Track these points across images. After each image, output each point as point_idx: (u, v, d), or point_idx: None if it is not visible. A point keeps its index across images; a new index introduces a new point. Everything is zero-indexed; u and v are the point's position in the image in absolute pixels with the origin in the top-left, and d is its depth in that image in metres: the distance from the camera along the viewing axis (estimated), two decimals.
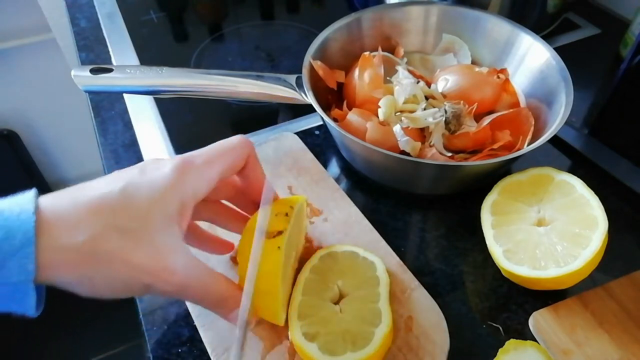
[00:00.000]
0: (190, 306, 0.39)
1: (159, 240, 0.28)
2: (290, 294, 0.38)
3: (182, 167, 0.30)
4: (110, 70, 0.47)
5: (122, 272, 0.27)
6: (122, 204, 0.28)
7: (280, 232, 0.36)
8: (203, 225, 0.39)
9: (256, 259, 0.34)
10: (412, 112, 0.49)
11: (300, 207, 0.39)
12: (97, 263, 0.27)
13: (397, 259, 0.42)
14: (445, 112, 0.48)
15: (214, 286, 0.32)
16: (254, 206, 0.38)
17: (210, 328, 0.38)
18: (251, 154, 0.35)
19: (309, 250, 0.42)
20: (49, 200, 0.27)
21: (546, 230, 0.40)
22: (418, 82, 0.52)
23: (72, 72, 0.47)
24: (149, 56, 0.67)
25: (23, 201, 0.26)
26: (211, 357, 0.36)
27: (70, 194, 0.28)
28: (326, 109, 0.49)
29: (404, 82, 0.50)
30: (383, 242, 0.43)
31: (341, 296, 0.38)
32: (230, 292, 0.32)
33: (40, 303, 0.28)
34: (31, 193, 0.27)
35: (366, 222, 0.45)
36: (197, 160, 0.31)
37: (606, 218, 0.38)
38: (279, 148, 0.52)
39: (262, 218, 0.36)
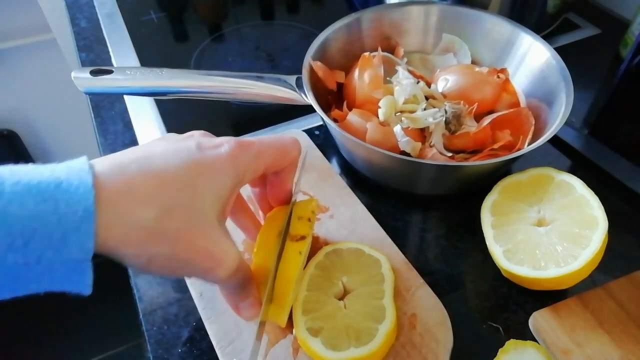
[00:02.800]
0: (196, 300, 0.39)
1: (219, 226, 0.29)
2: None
3: (237, 152, 0.30)
4: (110, 72, 0.47)
5: (186, 253, 0.27)
6: (188, 183, 0.27)
7: (303, 237, 0.36)
8: None
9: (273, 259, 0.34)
10: (412, 112, 0.49)
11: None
12: (162, 241, 0.26)
13: (403, 256, 0.42)
14: (446, 112, 0.48)
15: (248, 270, 0.33)
16: (267, 206, 0.39)
17: (215, 321, 0.38)
18: (296, 158, 0.36)
19: (314, 247, 0.42)
20: (114, 168, 0.25)
21: (546, 230, 0.40)
22: (418, 82, 0.52)
23: (72, 74, 0.47)
24: (149, 56, 0.67)
25: (81, 171, 0.24)
26: (216, 349, 0.37)
27: (137, 161, 0.26)
28: (326, 109, 0.49)
29: (404, 82, 0.50)
30: (389, 240, 0.43)
31: (346, 292, 0.39)
32: (250, 277, 0.33)
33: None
34: (84, 160, 0.25)
35: (372, 220, 0.45)
36: (252, 147, 0.31)
37: (606, 218, 0.38)
38: None
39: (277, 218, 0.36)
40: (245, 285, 0.33)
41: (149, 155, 0.27)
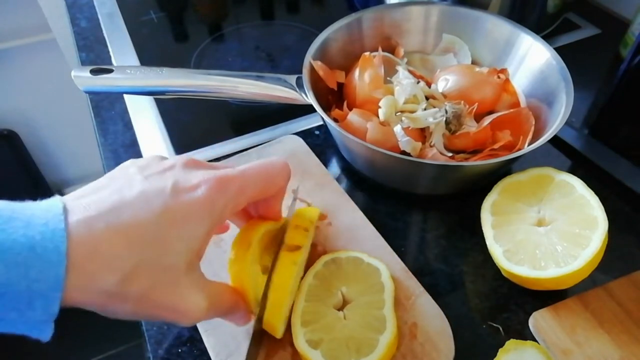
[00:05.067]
0: None
1: (187, 276, 0.28)
2: (293, 301, 0.38)
3: (215, 194, 0.29)
4: (110, 71, 0.47)
5: (149, 310, 0.28)
6: (157, 237, 0.27)
7: (298, 247, 0.36)
8: None
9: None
10: (412, 112, 0.49)
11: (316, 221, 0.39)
12: (124, 303, 0.26)
13: (402, 264, 0.42)
14: (446, 112, 0.48)
15: (226, 301, 0.32)
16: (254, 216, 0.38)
17: (212, 334, 0.38)
18: (283, 187, 0.35)
19: (312, 255, 0.42)
20: (85, 223, 0.25)
21: (546, 230, 0.40)
22: (418, 82, 0.52)
23: (72, 73, 0.47)
24: (149, 56, 0.67)
25: (55, 232, 0.24)
26: None
27: (107, 215, 0.26)
28: (326, 109, 0.49)
29: (404, 82, 0.50)
30: (388, 248, 0.43)
31: (345, 302, 0.38)
32: (236, 300, 0.33)
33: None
34: (60, 212, 0.25)
35: (371, 227, 0.45)
36: (232, 185, 0.30)
37: (606, 218, 0.38)
38: (282, 151, 0.52)
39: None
40: (233, 306, 0.33)
41: (120, 205, 0.26)
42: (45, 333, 0.25)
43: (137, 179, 0.28)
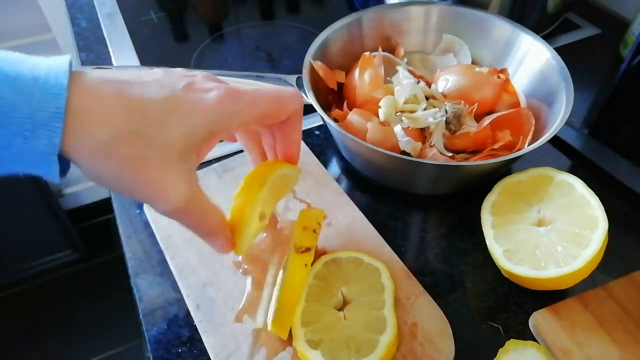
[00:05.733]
0: (193, 312, 0.39)
1: (177, 162, 0.29)
2: None
3: (225, 100, 0.30)
4: None
5: (130, 178, 0.28)
6: (157, 116, 0.28)
7: (308, 249, 0.36)
8: None
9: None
10: (412, 112, 0.49)
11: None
12: (110, 162, 0.27)
13: (402, 264, 0.42)
14: (446, 112, 0.48)
15: (209, 220, 0.32)
16: (274, 154, 0.37)
17: (212, 334, 0.38)
18: (297, 111, 0.34)
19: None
20: (93, 81, 0.27)
21: (546, 230, 0.40)
22: (418, 82, 0.52)
23: None
24: (149, 56, 0.67)
25: (59, 71, 0.25)
26: None
27: (117, 83, 0.27)
28: (326, 109, 0.49)
29: (404, 82, 0.50)
30: (388, 248, 0.43)
31: (345, 303, 0.38)
32: (222, 227, 0.33)
33: (65, 171, 0.28)
34: (66, 61, 0.26)
35: (371, 227, 0.45)
36: (244, 98, 0.31)
37: (606, 218, 0.38)
38: None
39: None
40: (216, 231, 0.32)
41: (134, 81, 0.28)
42: (52, 169, 0.26)
43: (159, 73, 0.30)
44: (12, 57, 0.26)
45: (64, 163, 0.28)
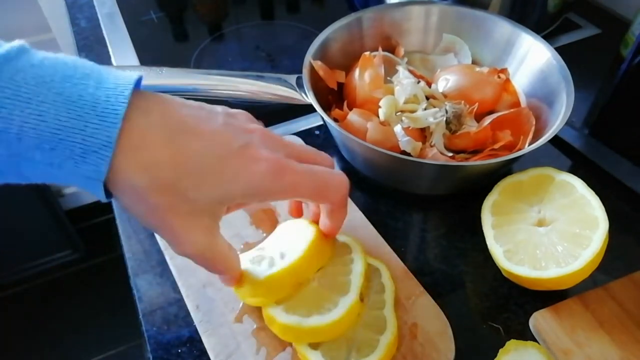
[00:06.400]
0: (192, 312, 0.39)
1: (198, 217, 0.29)
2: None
3: (270, 176, 0.30)
4: None
5: (155, 222, 0.29)
6: (199, 173, 0.28)
7: (362, 299, 0.36)
8: None
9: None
10: (412, 112, 0.49)
11: None
12: (140, 204, 0.28)
13: (402, 264, 0.42)
14: (446, 112, 0.48)
15: (221, 265, 0.33)
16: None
17: (212, 334, 0.38)
18: (340, 202, 0.35)
19: None
20: (154, 114, 0.27)
21: (547, 230, 0.40)
22: (418, 82, 0.52)
23: None
24: (149, 56, 0.67)
25: (120, 96, 0.26)
26: None
27: (174, 129, 0.28)
28: (326, 109, 0.49)
29: (404, 82, 0.50)
30: (388, 248, 0.43)
31: None
32: (231, 269, 0.34)
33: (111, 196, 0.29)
34: (130, 84, 0.27)
35: (371, 227, 0.45)
36: (288, 178, 0.30)
37: (607, 218, 0.38)
38: None
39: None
40: (218, 271, 0.34)
41: (190, 129, 0.28)
42: (98, 192, 0.27)
43: (220, 121, 0.30)
44: (80, 73, 0.26)
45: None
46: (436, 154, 0.46)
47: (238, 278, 0.35)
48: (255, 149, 0.30)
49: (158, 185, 0.27)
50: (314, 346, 0.35)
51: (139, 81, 0.28)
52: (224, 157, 0.29)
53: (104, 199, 0.28)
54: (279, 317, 0.34)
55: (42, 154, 0.25)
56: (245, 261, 0.37)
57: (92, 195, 0.27)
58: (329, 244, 0.38)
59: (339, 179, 0.34)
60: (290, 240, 0.37)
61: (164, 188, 0.27)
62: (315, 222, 0.38)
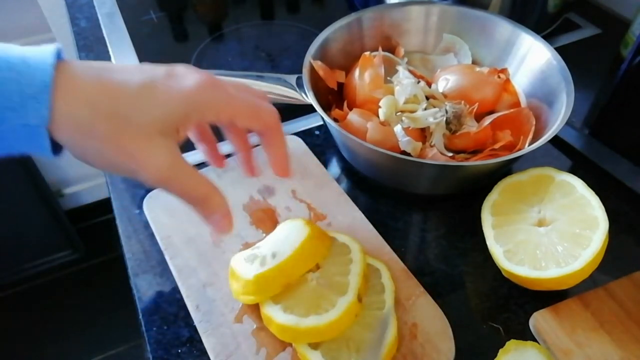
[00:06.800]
0: (192, 312, 0.39)
1: (153, 137, 0.30)
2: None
3: (203, 88, 0.31)
4: None
5: (112, 152, 0.29)
6: (135, 100, 0.29)
7: (360, 300, 0.36)
8: None
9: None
10: (412, 112, 0.49)
11: None
12: (91, 138, 0.29)
13: (402, 264, 0.42)
14: (446, 112, 0.48)
15: (197, 185, 0.32)
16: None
17: (212, 334, 0.38)
18: (273, 126, 0.35)
19: None
20: (77, 67, 0.29)
21: (547, 230, 0.40)
22: (418, 82, 0.52)
23: None
24: (148, 56, 0.67)
25: (46, 53, 0.28)
26: None
27: (99, 70, 0.30)
28: (326, 109, 0.49)
29: (404, 82, 0.50)
30: (388, 248, 0.43)
31: None
32: (214, 194, 0.33)
33: (60, 149, 0.30)
34: (53, 47, 0.28)
35: (371, 227, 0.45)
36: (221, 91, 0.32)
37: (607, 218, 0.38)
38: None
39: None
40: (207, 197, 0.33)
41: (116, 69, 0.30)
42: (43, 142, 0.28)
43: (141, 65, 0.32)
44: (1, 45, 0.28)
45: (57, 145, 0.30)
46: (436, 154, 0.46)
47: (229, 216, 0.34)
48: (179, 72, 0.31)
49: (101, 113, 0.28)
50: (314, 346, 0.35)
51: (58, 50, 0.29)
52: (153, 81, 0.30)
53: (49, 153, 0.29)
54: (277, 317, 0.34)
55: None
56: (240, 259, 0.38)
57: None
58: (323, 244, 0.38)
59: (269, 105, 0.35)
60: (284, 240, 0.38)
61: (107, 115, 0.28)
62: (313, 222, 0.38)
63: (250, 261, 0.37)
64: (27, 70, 0.27)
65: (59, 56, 0.29)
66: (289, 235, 0.38)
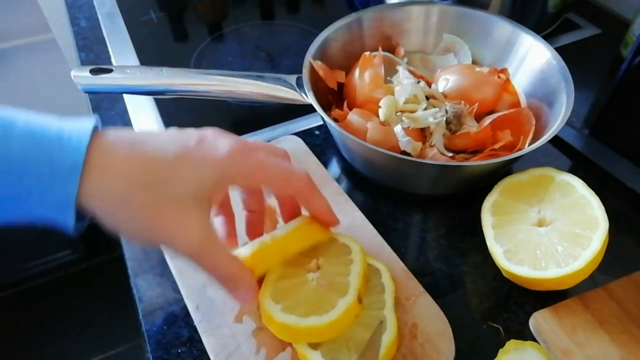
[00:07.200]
0: (192, 312, 0.39)
1: (187, 209, 0.30)
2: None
3: (234, 155, 0.31)
4: (110, 71, 0.47)
5: (145, 224, 0.30)
6: (168, 171, 0.30)
7: (361, 300, 0.36)
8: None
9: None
10: (412, 112, 0.49)
11: None
12: (125, 209, 0.29)
13: (402, 264, 0.42)
14: (446, 112, 0.48)
15: (226, 264, 0.32)
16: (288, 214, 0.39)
17: (212, 334, 0.38)
18: (302, 190, 0.35)
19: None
20: (112, 138, 0.29)
21: (547, 230, 0.40)
22: (419, 82, 0.52)
23: (72, 73, 0.47)
24: (149, 56, 0.67)
25: (82, 132, 0.28)
26: None
27: (132, 142, 0.30)
28: (326, 109, 0.49)
29: (404, 82, 0.50)
30: (388, 248, 0.43)
31: None
32: (241, 272, 0.33)
33: (81, 227, 0.31)
34: (91, 123, 0.29)
35: (370, 227, 0.45)
36: (253, 158, 0.32)
37: (607, 218, 0.38)
38: None
39: None
40: (235, 276, 0.33)
41: (149, 140, 0.31)
42: (68, 219, 0.28)
43: (173, 131, 0.32)
44: (38, 115, 0.29)
45: (82, 218, 0.30)
46: (436, 154, 0.46)
47: (255, 288, 0.33)
48: (210, 139, 0.32)
49: (137, 185, 0.29)
50: (314, 346, 0.35)
51: (95, 125, 0.29)
52: (186, 151, 0.30)
53: (71, 229, 0.29)
54: (277, 316, 0.34)
55: (7, 186, 0.27)
56: (240, 248, 0.38)
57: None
58: (320, 229, 0.38)
59: (299, 170, 0.35)
60: (283, 227, 0.38)
61: (143, 188, 0.29)
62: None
63: (250, 246, 0.37)
64: (61, 150, 0.27)
65: (93, 130, 0.29)
66: (288, 225, 0.38)
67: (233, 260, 0.33)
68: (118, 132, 0.30)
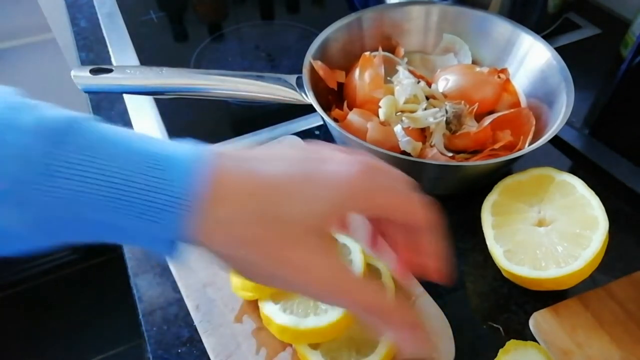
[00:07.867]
0: (192, 312, 0.39)
1: (309, 241, 0.26)
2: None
3: (363, 175, 0.27)
4: (110, 71, 0.47)
5: (265, 262, 0.26)
6: (284, 194, 0.26)
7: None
8: None
9: None
10: (412, 112, 0.48)
11: None
12: (242, 248, 0.26)
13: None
14: (446, 112, 0.48)
15: (367, 294, 0.27)
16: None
17: (212, 334, 0.38)
18: (422, 221, 0.30)
19: None
20: (227, 168, 0.26)
21: (547, 230, 0.40)
22: (419, 82, 0.52)
23: (72, 73, 0.47)
24: (149, 56, 0.67)
25: (200, 167, 0.25)
26: None
27: (249, 164, 0.26)
28: (326, 109, 0.49)
29: (404, 82, 0.50)
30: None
31: None
32: (392, 303, 0.28)
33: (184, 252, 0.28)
34: (207, 155, 0.25)
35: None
36: (380, 177, 0.28)
37: (607, 218, 0.38)
38: None
39: None
40: (382, 306, 0.28)
41: (260, 157, 0.27)
42: (174, 253, 0.26)
43: (285, 146, 0.29)
44: (160, 139, 0.26)
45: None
46: (436, 154, 0.46)
47: (416, 324, 0.28)
48: (334, 156, 0.28)
49: (246, 214, 0.25)
50: (314, 346, 0.35)
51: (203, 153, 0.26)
52: (304, 171, 0.27)
53: (171, 255, 0.27)
54: (276, 317, 0.34)
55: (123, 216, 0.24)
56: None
57: None
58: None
59: (426, 199, 0.30)
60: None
61: (253, 218, 0.25)
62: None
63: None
64: (172, 186, 0.24)
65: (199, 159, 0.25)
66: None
67: (375, 289, 0.28)
68: (224, 151, 0.27)
